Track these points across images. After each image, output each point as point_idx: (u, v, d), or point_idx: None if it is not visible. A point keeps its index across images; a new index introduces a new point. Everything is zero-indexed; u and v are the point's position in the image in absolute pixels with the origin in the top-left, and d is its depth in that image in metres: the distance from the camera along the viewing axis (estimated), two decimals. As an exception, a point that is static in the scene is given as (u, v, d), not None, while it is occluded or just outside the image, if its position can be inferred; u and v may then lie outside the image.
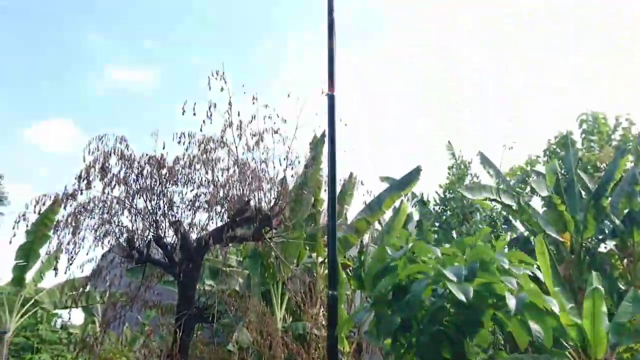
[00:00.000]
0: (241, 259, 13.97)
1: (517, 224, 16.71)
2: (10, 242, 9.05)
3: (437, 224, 16.25)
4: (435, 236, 16.03)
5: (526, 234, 16.21)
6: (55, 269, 8.47)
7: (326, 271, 11.10)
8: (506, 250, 16.78)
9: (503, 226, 16.14)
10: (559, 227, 14.26)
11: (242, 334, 11.75)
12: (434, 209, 16.81)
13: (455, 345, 3.44)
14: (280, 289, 11.79)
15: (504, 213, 16.26)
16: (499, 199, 14.63)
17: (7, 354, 13.83)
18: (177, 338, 8.35)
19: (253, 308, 10.41)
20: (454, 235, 15.74)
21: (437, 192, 16.86)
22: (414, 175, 13.27)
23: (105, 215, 8.60)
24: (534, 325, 3.47)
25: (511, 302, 3.28)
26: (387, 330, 3.77)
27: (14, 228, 8.84)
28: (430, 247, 3.80)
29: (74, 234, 8.47)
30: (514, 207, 14.89)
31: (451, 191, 16.16)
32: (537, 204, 16.00)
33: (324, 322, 10.28)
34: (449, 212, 16.07)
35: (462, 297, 3.19)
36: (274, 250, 10.39)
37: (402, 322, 3.65)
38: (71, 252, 8.57)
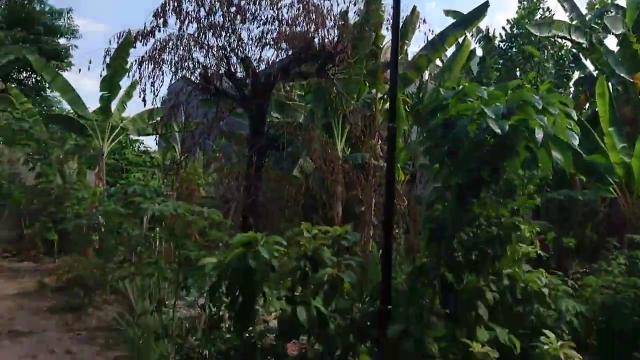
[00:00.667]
0: (303, 94, 14.61)
1: (588, 63, 16.07)
2: (101, 76, 10.11)
3: (500, 62, 15.87)
4: (498, 74, 15.80)
5: (595, 73, 15.69)
6: (144, 100, 9.40)
7: (385, 106, 11.58)
8: (570, 87, 16.46)
9: (570, 65, 15.59)
10: (630, 67, 13.70)
11: (306, 162, 12.94)
12: (499, 45, 16.29)
13: (493, 169, 4.14)
14: (341, 122, 12.48)
15: (574, 51, 15.60)
16: (568, 36, 13.99)
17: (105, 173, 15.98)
18: (253, 162, 9.49)
19: (316, 139, 11.28)
20: (518, 73, 15.48)
21: (504, 28, 16.17)
22: (480, 11, 12.72)
23: (181, 52, 9.24)
24: (556, 154, 4.07)
25: (539, 135, 3.86)
26: (437, 157, 4.48)
27: (103, 63, 9.83)
28: (478, 89, 4.25)
29: (154, 69, 9.28)
30: (584, 45, 14.28)
31: (519, 27, 15.46)
32: (612, 42, 15.18)
33: (381, 154, 11.09)
34: (514, 49, 15.57)
35: (497, 130, 3.78)
36: (335, 85, 10.87)
37: (449, 150, 4.31)
38: (153, 85, 9.48)
